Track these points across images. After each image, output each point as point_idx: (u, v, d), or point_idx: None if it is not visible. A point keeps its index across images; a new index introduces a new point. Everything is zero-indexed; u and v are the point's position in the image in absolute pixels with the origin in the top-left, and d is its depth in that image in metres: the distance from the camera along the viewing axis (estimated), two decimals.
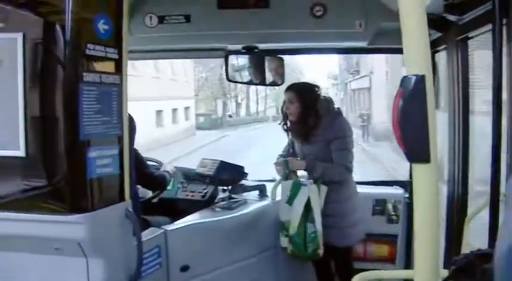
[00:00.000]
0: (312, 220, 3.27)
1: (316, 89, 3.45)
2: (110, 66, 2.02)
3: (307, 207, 3.27)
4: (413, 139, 0.98)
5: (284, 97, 3.45)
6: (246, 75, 3.51)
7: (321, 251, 3.30)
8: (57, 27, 1.87)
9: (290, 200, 3.31)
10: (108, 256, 2.07)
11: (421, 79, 0.97)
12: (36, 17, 1.92)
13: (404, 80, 0.99)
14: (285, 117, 3.48)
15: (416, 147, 0.98)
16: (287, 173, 3.41)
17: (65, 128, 1.90)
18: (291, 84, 3.48)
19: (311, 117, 3.34)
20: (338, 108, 3.53)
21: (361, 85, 33.23)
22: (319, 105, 3.35)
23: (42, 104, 1.94)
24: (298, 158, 3.46)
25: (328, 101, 3.46)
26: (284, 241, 3.36)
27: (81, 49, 1.87)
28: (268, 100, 58.27)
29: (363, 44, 3.33)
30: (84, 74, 1.88)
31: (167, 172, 3.33)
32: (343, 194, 3.39)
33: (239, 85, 41.35)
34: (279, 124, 3.60)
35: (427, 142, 0.96)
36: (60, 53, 1.87)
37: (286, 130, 3.55)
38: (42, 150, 1.98)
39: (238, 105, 51.18)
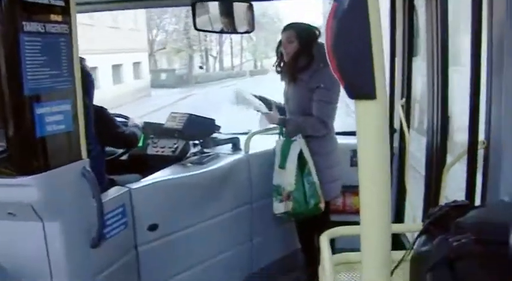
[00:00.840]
0: (309, 173, 3.17)
1: (315, 31, 3.29)
2: (55, 15, 1.85)
3: (301, 160, 3.17)
4: (353, 69, 0.79)
5: (281, 37, 3.27)
6: (214, 24, 3.32)
7: (322, 205, 3.21)
8: None
9: (282, 163, 3.20)
10: (65, 219, 1.96)
11: None
12: None
13: None
14: (280, 58, 3.33)
15: (357, 79, 0.79)
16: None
17: (7, 83, 1.74)
18: (290, 24, 3.31)
19: (303, 58, 3.19)
20: None
21: None
22: (315, 49, 3.20)
23: None
24: (272, 112, 3.32)
25: (323, 46, 3.28)
26: (278, 207, 3.25)
27: None
28: (245, 53, 53.84)
29: None
30: (25, 23, 1.71)
31: (137, 126, 3.19)
32: (324, 148, 3.28)
33: (212, 36, 39.32)
34: (273, 66, 3.44)
35: (370, 72, 0.77)
36: None
37: (279, 72, 3.39)
38: None
39: (214, 59, 46.91)
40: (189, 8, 3.09)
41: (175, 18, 37.85)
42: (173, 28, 39.43)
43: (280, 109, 3.41)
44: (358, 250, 2.32)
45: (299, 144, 3.17)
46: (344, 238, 1.94)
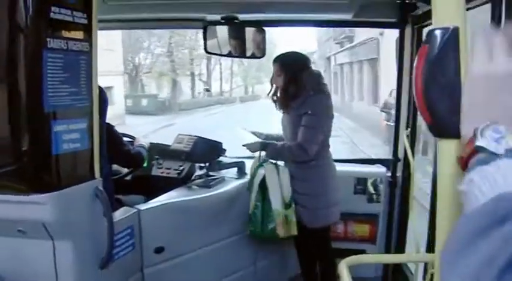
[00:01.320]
0: (268, 199, 3.17)
1: (303, 60, 3.33)
2: (77, 33, 1.85)
3: (263, 186, 3.18)
4: (443, 110, 0.79)
5: (273, 68, 3.30)
6: (225, 48, 3.35)
7: (280, 231, 3.18)
8: None
9: (249, 186, 3.25)
10: (76, 238, 1.93)
11: (452, 33, 0.78)
12: None
13: (431, 34, 0.80)
14: (275, 89, 3.35)
15: (446, 119, 0.79)
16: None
17: (28, 99, 1.73)
18: (277, 57, 3.34)
19: (292, 88, 3.21)
20: (324, 84, 3.36)
21: (357, 57, 24.57)
22: (304, 77, 3.21)
23: (1, 72, 1.76)
24: (251, 142, 3.37)
25: (317, 75, 3.33)
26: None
27: (45, 12, 1.70)
28: (236, 78, 51.99)
29: (347, 16, 3.19)
30: (49, 39, 1.71)
31: (143, 146, 3.18)
32: (312, 174, 3.25)
33: (200, 60, 37.78)
34: (268, 95, 3.45)
35: (458, 112, 0.76)
36: (22, 17, 1.69)
37: (274, 101, 3.41)
38: (3, 123, 1.80)
39: (203, 84, 42.95)
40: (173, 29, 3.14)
41: (163, 40, 35.91)
42: (160, 51, 37.10)
43: (274, 139, 3.46)
44: (368, 279, 2.28)
45: (264, 170, 3.20)
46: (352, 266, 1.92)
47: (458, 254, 0.53)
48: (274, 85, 3.34)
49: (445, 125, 0.79)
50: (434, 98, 0.79)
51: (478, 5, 2.23)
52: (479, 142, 0.64)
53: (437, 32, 0.80)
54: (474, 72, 0.72)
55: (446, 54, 0.79)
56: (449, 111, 0.78)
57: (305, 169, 3.24)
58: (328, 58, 36.44)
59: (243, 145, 3.34)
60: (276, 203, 3.17)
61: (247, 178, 3.35)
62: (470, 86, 0.72)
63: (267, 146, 3.25)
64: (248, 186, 3.24)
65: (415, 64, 0.81)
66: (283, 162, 3.30)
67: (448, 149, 0.83)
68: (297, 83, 3.20)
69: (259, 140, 3.39)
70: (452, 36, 0.79)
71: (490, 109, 0.68)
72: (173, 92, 37.63)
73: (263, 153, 3.29)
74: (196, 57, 37.95)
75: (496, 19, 1.76)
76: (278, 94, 3.34)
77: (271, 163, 3.22)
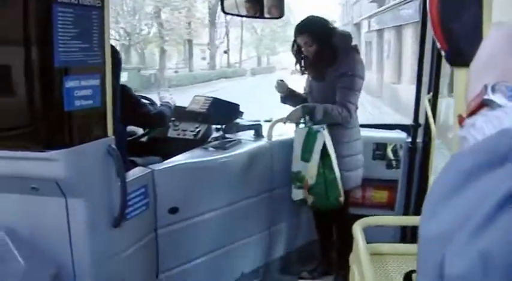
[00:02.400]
0: (331, 166, 3.11)
1: (329, 24, 3.27)
2: None
3: (324, 153, 3.10)
4: (459, 32, 0.73)
5: (298, 39, 3.21)
6: (242, 8, 3.27)
7: (342, 199, 3.16)
8: None
9: (307, 156, 3.12)
10: (88, 196, 1.93)
11: None
12: None
13: None
14: (299, 59, 3.30)
15: (463, 43, 0.72)
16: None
17: (38, 53, 1.71)
18: (300, 26, 3.23)
19: (327, 55, 3.16)
20: (355, 45, 3.30)
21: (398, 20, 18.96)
22: (335, 40, 3.16)
23: (11, 27, 1.73)
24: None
25: (346, 36, 3.27)
26: (297, 193, 3.20)
27: None
28: (248, 49, 46.46)
29: None
30: None
31: (167, 105, 3.11)
32: (346, 137, 3.24)
33: (199, 24, 33.76)
34: (296, 67, 3.39)
35: (479, 40, 0.68)
36: None
37: (303, 71, 3.36)
38: (15, 80, 1.79)
39: (212, 56, 37.07)
40: None
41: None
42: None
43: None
44: (381, 241, 2.25)
45: (323, 136, 3.09)
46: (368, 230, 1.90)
47: (446, 197, 0.47)
48: (300, 55, 3.27)
49: (463, 51, 0.73)
50: (450, 19, 0.73)
51: None
52: (488, 95, 0.57)
53: None
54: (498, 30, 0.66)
55: None
56: (468, 34, 0.72)
57: (345, 131, 3.22)
58: (357, 24, 31.29)
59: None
60: (337, 170, 3.13)
61: (264, 140, 3.31)
62: (490, 42, 0.66)
63: (313, 109, 3.12)
64: (305, 156, 3.13)
65: None
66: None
67: (465, 78, 0.77)
68: (330, 50, 3.16)
69: (298, 106, 3.21)
70: None
71: (503, 69, 0.61)
72: (161, 64, 32.20)
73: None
74: (194, 22, 34.05)
75: None
76: (306, 63, 3.29)
77: (326, 128, 3.11)
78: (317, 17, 3.35)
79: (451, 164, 0.50)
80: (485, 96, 0.57)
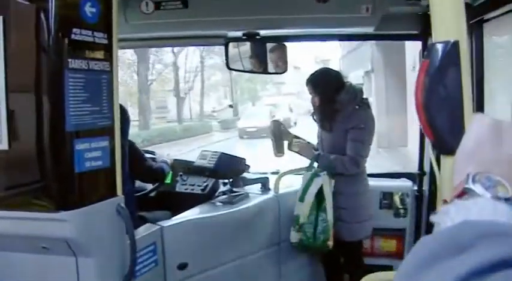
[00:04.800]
0: (324, 210, 3.17)
1: (339, 78, 3.34)
2: (98, 52, 1.88)
3: (319, 196, 3.17)
4: (443, 125, 0.78)
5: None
6: (246, 63, 3.37)
7: (330, 243, 3.19)
8: (40, 11, 1.73)
9: (302, 196, 3.20)
10: (99, 255, 1.95)
11: (452, 47, 0.77)
12: (16, 1, 1.78)
13: (431, 49, 0.79)
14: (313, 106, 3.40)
15: (447, 135, 0.77)
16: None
17: (50, 118, 1.77)
18: (308, 77, 3.35)
19: (328, 108, 3.24)
20: (366, 99, 3.38)
21: None
22: (343, 95, 3.23)
23: (25, 93, 1.81)
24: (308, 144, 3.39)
25: (356, 89, 3.34)
26: (294, 236, 3.24)
27: (66, 34, 1.74)
28: (220, 93, 38.60)
29: (369, 29, 3.18)
30: (70, 60, 1.75)
31: (165, 162, 3.23)
32: (355, 188, 3.28)
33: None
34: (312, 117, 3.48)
35: (462, 129, 0.75)
36: (44, 39, 1.73)
37: (315, 119, 3.45)
38: (27, 142, 1.84)
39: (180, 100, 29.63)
40: None
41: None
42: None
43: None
44: None
45: (322, 180, 3.17)
46: None
47: (409, 276, 0.51)
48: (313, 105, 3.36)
49: (448, 141, 0.78)
50: (435, 113, 0.78)
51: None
52: (469, 185, 0.63)
53: (438, 46, 0.79)
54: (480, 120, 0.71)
55: (447, 68, 0.78)
56: (451, 126, 0.77)
57: (352, 183, 3.26)
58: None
59: (296, 146, 3.35)
60: (330, 216, 3.18)
61: (272, 193, 3.34)
62: (472, 132, 0.71)
63: (320, 156, 3.26)
64: (301, 195, 3.21)
65: (416, 79, 0.80)
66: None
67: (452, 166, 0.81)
68: (333, 103, 3.23)
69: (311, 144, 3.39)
70: (452, 50, 0.78)
71: (484, 159, 0.66)
72: None
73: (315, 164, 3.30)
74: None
75: None
76: (316, 112, 3.39)
77: (328, 174, 3.20)
78: (329, 70, 3.46)
79: (418, 246, 0.55)
80: (466, 185, 0.62)
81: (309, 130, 3.50)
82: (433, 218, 0.61)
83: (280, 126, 3.46)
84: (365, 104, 3.31)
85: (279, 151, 3.42)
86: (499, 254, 0.47)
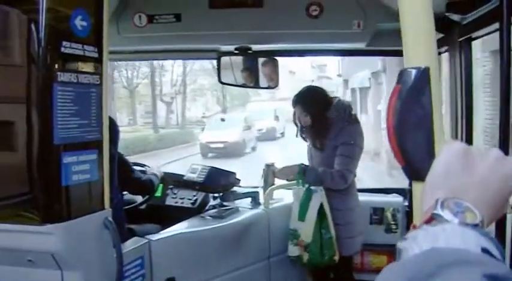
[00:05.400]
0: (326, 226, 3.17)
1: (325, 95, 3.37)
2: (88, 66, 1.88)
3: (320, 213, 3.16)
4: (413, 151, 0.78)
5: (295, 109, 3.36)
6: (239, 78, 3.38)
7: (336, 258, 3.21)
8: (31, 23, 1.73)
9: (302, 215, 3.19)
10: (85, 269, 1.93)
11: (423, 73, 0.77)
12: (6, 12, 1.79)
13: (403, 74, 0.80)
14: (300, 127, 3.40)
15: (418, 161, 0.78)
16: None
17: (38, 131, 1.76)
18: (296, 97, 3.37)
19: (321, 126, 3.25)
20: (355, 114, 3.41)
21: None
22: (331, 111, 3.25)
23: (13, 105, 1.80)
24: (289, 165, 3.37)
25: (345, 105, 3.36)
26: (293, 250, 3.23)
27: (56, 47, 1.74)
28: (203, 99, 35.29)
29: (361, 45, 3.20)
30: (59, 73, 1.75)
31: (155, 175, 3.22)
32: (346, 203, 3.30)
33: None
34: (297, 135, 3.48)
35: (431, 156, 0.74)
36: (33, 51, 1.73)
37: (304, 138, 3.46)
38: (14, 154, 1.84)
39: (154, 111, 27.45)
40: None
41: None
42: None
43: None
44: None
45: (320, 197, 3.16)
46: None
47: None
48: (300, 124, 3.37)
49: (418, 167, 0.78)
50: (406, 138, 0.78)
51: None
52: (437, 210, 0.63)
53: (409, 72, 0.80)
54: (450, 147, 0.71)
55: (417, 94, 0.78)
56: (421, 152, 0.77)
57: (344, 198, 3.28)
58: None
59: (278, 173, 3.35)
60: (332, 230, 3.19)
61: (261, 208, 3.33)
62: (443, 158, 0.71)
63: (307, 170, 3.24)
64: (300, 214, 3.19)
65: (387, 105, 0.81)
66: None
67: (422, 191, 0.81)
68: (325, 119, 3.24)
69: (293, 164, 3.36)
70: (423, 76, 0.78)
71: (454, 185, 0.67)
72: None
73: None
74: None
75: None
76: (305, 130, 3.38)
77: (323, 189, 3.19)
78: (314, 87, 3.49)
79: (384, 273, 0.55)
80: (435, 211, 0.62)
81: (299, 140, 3.48)
82: (400, 244, 0.61)
83: (273, 172, 3.44)
84: (354, 120, 3.32)
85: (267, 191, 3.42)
86: None
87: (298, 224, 3.20)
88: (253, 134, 22.65)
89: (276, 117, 26.57)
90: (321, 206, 3.16)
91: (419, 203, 0.75)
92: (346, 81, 24.44)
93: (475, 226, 0.60)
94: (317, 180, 3.18)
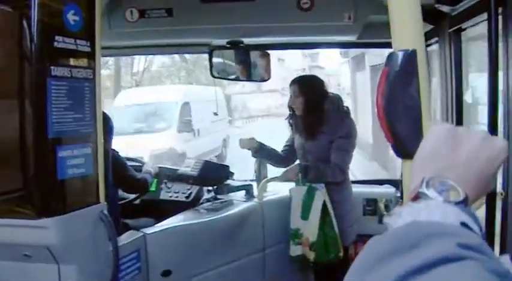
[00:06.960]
0: (330, 223, 3.19)
1: (322, 85, 3.36)
2: (81, 60, 1.89)
3: (324, 211, 3.18)
4: (402, 130, 0.80)
5: (290, 90, 3.34)
6: (231, 71, 3.40)
7: (341, 254, 3.23)
8: (23, 18, 1.74)
9: (305, 214, 3.20)
10: (81, 262, 1.95)
11: (410, 55, 0.81)
12: None
13: (391, 57, 0.83)
14: (291, 110, 3.39)
15: (406, 140, 0.80)
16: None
17: (33, 125, 1.77)
18: (295, 78, 3.38)
19: (315, 113, 3.25)
20: (347, 107, 3.43)
21: None
22: (326, 102, 3.27)
23: (7, 99, 1.81)
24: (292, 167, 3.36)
25: (337, 99, 3.38)
26: (295, 249, 3.25)
27: (49, 41, 1.75)
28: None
29: (352, 38, 3.22)
30: (52, 68, 1.76)
31: (149, 173, 3.23)
32: (342, 195, 3.33)
33: None
34: (285, 119, 3.50)
35: (420, 134, 0.78)
36: (26, 46, 1.73)
37: (291, 124, 3.47)
38: (9, 149, 1.84)
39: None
40: None
41: None
42: None
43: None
44: None
45: (322, 195, 3.18)
46: None
47: (359, 275, 0.53)
48: (292, 107, 3.36)
49: (407, 146, 0.80)
50: (395, 118, 0.81)
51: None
52: (422, 189, 0.65)
53: (397, 54, 0.82)
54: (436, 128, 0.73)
55: (405, 75, 0.81)
56: (410, 131, 0.80)
57: (340, 190, 3.31)
58: None
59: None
60: (336, 227, 3.21)
61: (255, 201, 3.35)
62: (429, 138, 0.73)
63: (308, 167, 3.24)
64: (302, 213, 3.21)
65: (377, 86, 0.83)
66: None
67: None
68: (320, 108, 3.25)
69: (293, 165, 3.38)
70: (410, 58, 0.81)
71: (440, 164, 0.69)
72: None
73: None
74: None
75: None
76: (297, 120, 3.38)
77: (324, 186, 3.21)
78: (314, 76, 3.49)
79: (368, 246, 0.58)
80: (420, 189, 0.65)
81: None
82: (385, 219, 0.64)
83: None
84: (348, 113, 3.35)
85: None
86: (441, 252, 0.50)
87: (301, 223, 3.21)
88: None
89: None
90: (324, 204, 3.18)
91: (408, 181, 0.77)
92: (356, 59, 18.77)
93: (457, 203, 0.62)
94: (319, 177, 3.20)
